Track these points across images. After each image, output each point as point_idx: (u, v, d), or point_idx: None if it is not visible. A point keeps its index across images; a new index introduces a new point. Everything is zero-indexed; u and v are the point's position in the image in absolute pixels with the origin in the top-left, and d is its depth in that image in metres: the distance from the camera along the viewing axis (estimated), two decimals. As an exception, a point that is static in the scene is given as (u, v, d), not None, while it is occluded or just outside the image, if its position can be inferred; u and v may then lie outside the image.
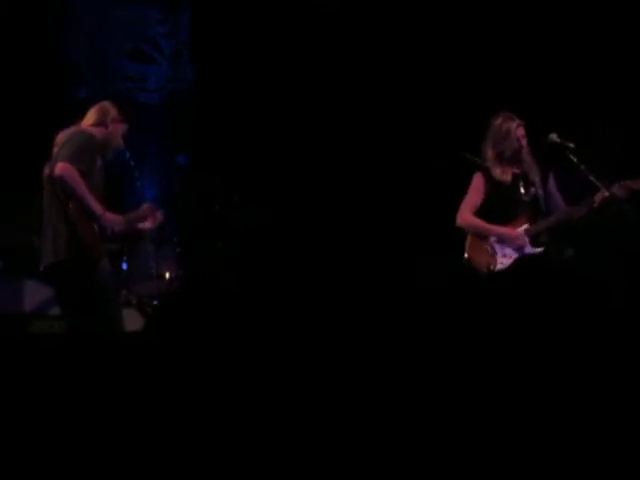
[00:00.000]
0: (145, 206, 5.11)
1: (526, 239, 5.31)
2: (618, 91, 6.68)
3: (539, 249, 5.31)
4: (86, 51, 7.86)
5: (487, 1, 7.18)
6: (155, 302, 5.43)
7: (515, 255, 5.31)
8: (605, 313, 3.97)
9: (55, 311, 5.90)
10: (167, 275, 6.13)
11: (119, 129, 4.99)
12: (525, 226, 5.32)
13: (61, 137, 4.90)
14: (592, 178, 5.24)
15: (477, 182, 5.41)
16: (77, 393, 3.68)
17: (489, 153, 5.39)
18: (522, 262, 5.29)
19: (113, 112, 4.97)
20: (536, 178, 5.42)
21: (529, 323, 4.20)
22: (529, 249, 5.31)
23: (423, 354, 3.45)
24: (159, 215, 5.13)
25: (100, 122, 4.93)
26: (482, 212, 5.38)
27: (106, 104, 5.01)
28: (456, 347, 3.62)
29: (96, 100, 5.11)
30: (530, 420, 2.95)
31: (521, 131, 5.35)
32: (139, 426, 3.06)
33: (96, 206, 4.72)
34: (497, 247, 5.33)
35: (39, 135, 6.90)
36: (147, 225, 5.11)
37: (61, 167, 4.65)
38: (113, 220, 4.83)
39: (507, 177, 5.40)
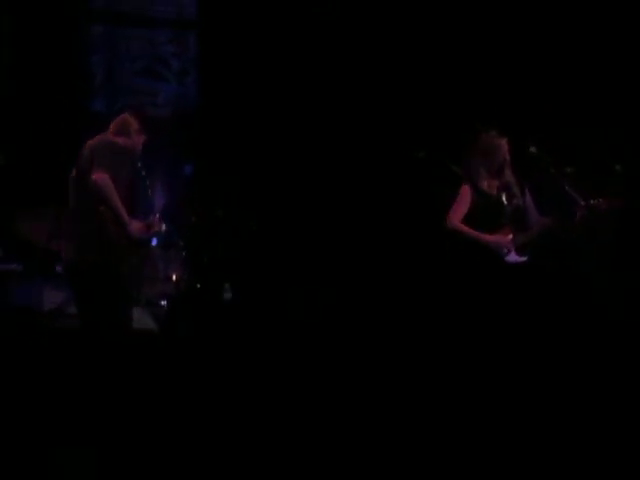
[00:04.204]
0: (155, 219, 5.21)
1: (512, 247, 5.50)
2: (596, 104, 6.86)
3: (524, 257, 5.51)
4: (101, 68, 8.01)
5: (466, 15, 7.37)
6: (163, 302, 5.65)
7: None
8: (595, 315, 4.12)
9: (70, 310, 6.03)
10: (174, 277, 6.31)
11: (140, 140, 5.19)
12: (510, 237, 5.51)
13: (91, 145, 5.03)
14: (569, 190, 5.40)
15: (465, 193, 5.57)
16: (86, 384, 3.84)
17: (476, 167, 5.59)
18: (511, 270, 5.47)
19: (135, 124, 5.16)
20: (517, 191, 5.61)
21: (522, 328, 4.34)
22: (515, 257, 5.50)
23: (415, 351, 3.59)
24: (161, 226, 5.24)
25: (125, 132, 5.11)
26: (469, 222, 5.53)
27: (127, 117, 5.19)
28: (448, 349, 3.75)
29: (109, 113, 5.30)
30: (522, 418, 3.03)
31: (507, 147, 5.57)
32: (144, 419, 3.18)
33: (125, 215, 4.90)
34: None
35: (57, 144, 7.26)
36: (144, 234, 5.20)
37: (98, 176, 4.79)
38: (137, 228, 5.02)
39: (492, 190, 5.59)
